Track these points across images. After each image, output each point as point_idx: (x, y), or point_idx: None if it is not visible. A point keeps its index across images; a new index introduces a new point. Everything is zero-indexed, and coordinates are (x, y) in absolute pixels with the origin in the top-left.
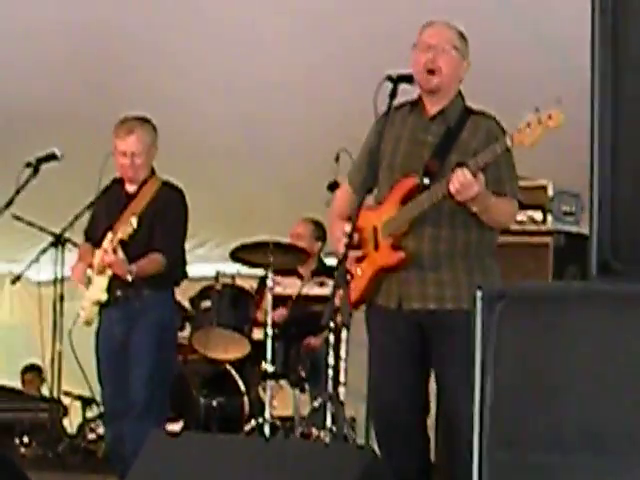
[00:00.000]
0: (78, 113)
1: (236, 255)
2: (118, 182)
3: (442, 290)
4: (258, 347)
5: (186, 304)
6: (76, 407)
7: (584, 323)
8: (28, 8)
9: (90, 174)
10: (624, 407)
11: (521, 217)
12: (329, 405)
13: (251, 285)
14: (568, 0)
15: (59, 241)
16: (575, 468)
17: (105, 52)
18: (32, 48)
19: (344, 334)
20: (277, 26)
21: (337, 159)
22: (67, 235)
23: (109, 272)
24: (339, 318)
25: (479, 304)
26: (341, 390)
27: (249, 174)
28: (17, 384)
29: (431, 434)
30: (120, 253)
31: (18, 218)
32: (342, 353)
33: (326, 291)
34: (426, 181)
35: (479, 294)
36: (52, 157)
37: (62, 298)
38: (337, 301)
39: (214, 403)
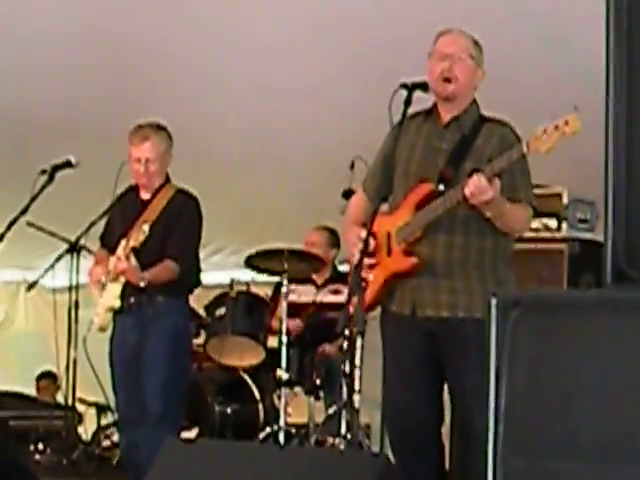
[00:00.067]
0: (94, 121)
1: (251, 262)
2: (133, 189)
3: (455, 298)
4: (273, 354)
5: (201, 311)
6: (91, 414)
7: (599, 330)
8: (44, 16)
9: (105, 181)
10: (639, 414)
11: (536, 224)
12: (344, 412)
13: (266, 292)
14: (583, 5)
15: (74, 248)
16: (590, 475)
17: (122, 61)
18: (48, 56)
19: (359, 341)
20: (293, 35)
21: (352, 167)
22: (82, 242)
23: (122, 279)
24: (354, 326)
25: (494, 311)
26: (356, 397)
27: (264, 181)
28: (32, 391)
29: (446, 442)
30: (133, 260)
31: (33, 225)
32: (357, 360)
33: (340, 298)
34: (441, 187)
35: (494, 301)
36: (67, 164)
37: (77, 305)
38: (351, 309)
39: (229, 410)
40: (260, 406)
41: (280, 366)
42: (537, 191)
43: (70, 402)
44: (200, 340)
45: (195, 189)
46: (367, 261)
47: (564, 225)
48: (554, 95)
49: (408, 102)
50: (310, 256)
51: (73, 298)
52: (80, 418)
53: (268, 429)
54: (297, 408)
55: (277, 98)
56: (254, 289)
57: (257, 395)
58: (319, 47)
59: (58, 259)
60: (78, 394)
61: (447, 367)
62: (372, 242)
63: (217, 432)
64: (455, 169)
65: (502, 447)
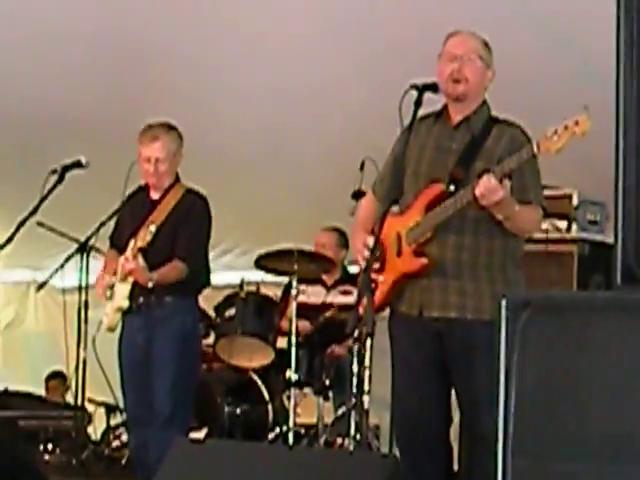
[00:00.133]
0: (104, 121)
1: (261, 263)
2: (143, 189)
3: (464, 299)
4: (282, 355)
5: (210, 312)
6: (100, 414)
7: (609, 331)
8: (55, 14)
9: (115, 182)
10: None
11: (546, 226)
12: (353, 413)
13: (275, 293)
14: (592, 5)
15: (84, 248)
16: (600, 476)
17: (132, 61)
18: (58, 55)
19: (368, 342)
20: (304, 36)
21: (362, 167)
22: (92, 242)
23: (131, 279)
24: (363, 326)
25: (504, 312)
26: (365, 398)
27: (274, 182)
28: (41, 391)
29: (455, 443)
30: (140, 260)
31: (43, 225)
32: (366, 361)
33: (350, 299)
34: (451, 188)
35: (504, 302)
36: (78, 165)
37: (87, 305)
38: (361, 309)
39: (238, 411)
40: (269, 407)
41: (289, 367)
42: (547, 192)
43: (79, 402)
44: (209, 340)
45: (205, 189)
46: (374, 266)
47: (574, 226)
48: (564, 96)
49: (418, 103)
50: (320, 257)
51: (83, 298)
52: (89, 418)
53: (277, 430)
54: (306, 409)
55: (287, 99)
56: (264, 290)
57: (266, 396)
58: (330, 48)
59: (68, 259)
60: (87, 394)
61: (455, 368)
62: (379, 248)
63: (226, 432)
64: (465, 170)
65: (511, 448)
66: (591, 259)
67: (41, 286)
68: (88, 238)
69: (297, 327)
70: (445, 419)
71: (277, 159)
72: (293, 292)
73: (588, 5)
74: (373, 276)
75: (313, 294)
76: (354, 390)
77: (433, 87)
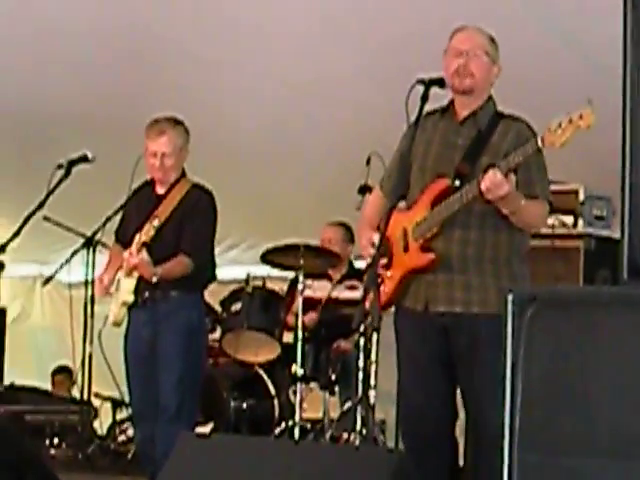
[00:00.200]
0: (110, 116)
1: (267, 258)
2: (149, 184)
3: (469, 294)
4: (288, 350)
5: (217, 307)
6: (106, 409)
7: (615, 326)
8: (61, 10)
9: (122, 176)
10: None
11: (552, 221)
12: (359, 408)
13: (281, 288)
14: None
15: (90, 243)
16: (606, 472)
17: (138, 55)
18: (64, 50)
19: (374, 337)
20: (308, 31)
21: (368, 162)
22: (98, 237)
23: (136, 274)
24: (369, 321)
25: (510, 307)
26: (371, 393)
27: (280, 177)
28: (48, 386)
29: (461, 438)
30: (144, 255)
31: (50, 220)
32: (372, 356)
33: (356, 294)
34: (457, 183)
35: (510, 297)
36: (84, 159)
37: (93, 300)
38: (367, 304)
39: (244, 406)
40: (275, 401)
41: (295, 361)
42: (553, 187)
43: (85, 397)
44: (216, 335)
45: (211, 184)
46: (381, 261)
47: (580, 222)
48: (568, 91)
49: (425, 98)
50: (326, 252)
51: (89, 293)
52: (95, 413)
53: (283, 424)
54: (312, 403)
55: (294, 94)
56: (270, 284)
57: (272, 390)
58: (336, 43)
59: (74, 254)
60: (94, 389)
61: (461, 363)
62: (385, 244)
63: (232, 427)
64: (471, 165)
65: (518, 443)
66: (597, 254)
67: (47, 281)
68: (94, 233)
69: (303, 320)
70: (451, 414)
71: (283, 154)
72: (299, 287)
73: (592, 0)
74: (380, 271)
75: (319, 289)
76: (360, 385)
77: (440, 82)
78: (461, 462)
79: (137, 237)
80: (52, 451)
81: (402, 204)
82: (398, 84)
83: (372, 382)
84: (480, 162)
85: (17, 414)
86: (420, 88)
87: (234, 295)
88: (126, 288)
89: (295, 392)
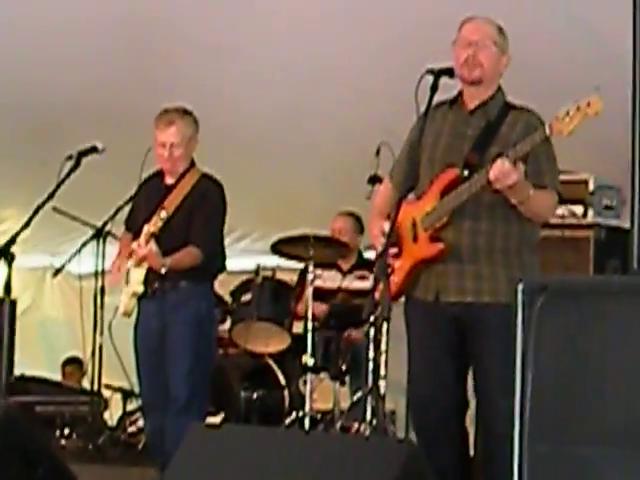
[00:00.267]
0: (120, 106)
1: (277, 248)
2: (158, 174)
3: (480, 283)
4: (298, 340)
5: (227, 297)
6: (117, 400)
7: (625, 316)
8: (71, 1)
9: (131, 167)
10: None
11: (562, 211)
12: (369, 398)
13: (291, 278)
14: None
15: (100, 234)
16: (617, 460)
17: (148, 46)
18: (74, 41)
19: (384, 327)
20: (320, 20)
21: (378, 152)
22: (108, 228)
23: (146, 264)
24: (379, 311)
25: (520, 297)
26: (381, 383)
27: (290, 167)
28: (58, 377)
29: (471, 428)
30: (153, 246)
31: (59, 211)
32: (382, 346)
33: (366, 284)
34: (465, 173)
35: (520, 287)
36: (94, 150)
37: (103, 291)
38: (377, 294)
39: (254, 396)
40: (286, 392)
41: (306, 352)
42: (563, 177)
43: (96, 388)
44: (226, 326)
45: (221, 175)
46: (391, 250)
47: (590, 211)
48: (577, 79)
49: (435, 88)
50: (336, 242)
51: (99, 284)
52: (106, 404)
53: (293, 415)
54: (322, 394)
55: (303, 84)
56: (280, 275)
57: (282, 381)
58: (347, 32)
59: (84, 245)
60: (104, 380)
61: (471, 352)
62: (395, 234)
63: (242, 418)
64: (480, 155)
65: (528, 432)
66: (607, 244)
67: (58, 272)
68: (104, 224)
69: (313, 310)
70: (461, 404)
71: (293, 144)
72: (309, 277)
73: None
74: (390, 261)
75: (329, 279)
76: (370, 375)
77: (449, 72)
78: (472, 452)
79: (145, 228)
80: (62, 442)
81: (411, 196)
82: (408, 74)
83: (382, 372)
84: (489, 152)
85: (27, 405)
86: (430, 78)
87: (244, 286)
88: (136, 279)
89: (305, 382)
